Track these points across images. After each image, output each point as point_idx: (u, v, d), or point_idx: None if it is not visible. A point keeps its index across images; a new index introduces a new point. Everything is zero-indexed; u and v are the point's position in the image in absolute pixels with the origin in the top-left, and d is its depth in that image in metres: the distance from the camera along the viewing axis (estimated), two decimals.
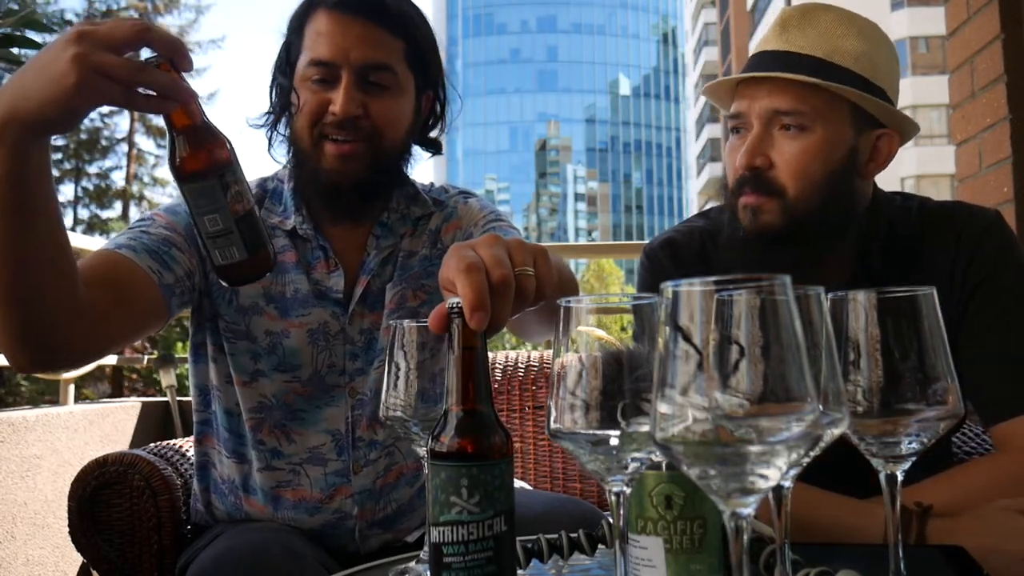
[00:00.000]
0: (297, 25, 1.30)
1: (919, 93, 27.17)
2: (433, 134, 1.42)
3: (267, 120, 1.34)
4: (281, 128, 1.33)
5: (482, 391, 0.69)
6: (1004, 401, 1.16)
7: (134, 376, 9.97)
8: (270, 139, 1.35)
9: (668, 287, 0.49)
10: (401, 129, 1.31)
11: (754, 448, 0.47)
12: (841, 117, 1.21)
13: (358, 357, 1.30)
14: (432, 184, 1.48)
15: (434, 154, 1.44)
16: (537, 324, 1.21)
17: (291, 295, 1.29)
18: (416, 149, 1.40)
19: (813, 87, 1.19)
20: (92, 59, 0.83)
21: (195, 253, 1.25)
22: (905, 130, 1.27)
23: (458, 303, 0.69)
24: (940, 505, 1.02)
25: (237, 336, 1.29)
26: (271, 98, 1.35)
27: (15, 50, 1.86)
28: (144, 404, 2.59)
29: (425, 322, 0.92)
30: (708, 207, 1.47)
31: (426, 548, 0.91)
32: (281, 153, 1.36)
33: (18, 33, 1.82)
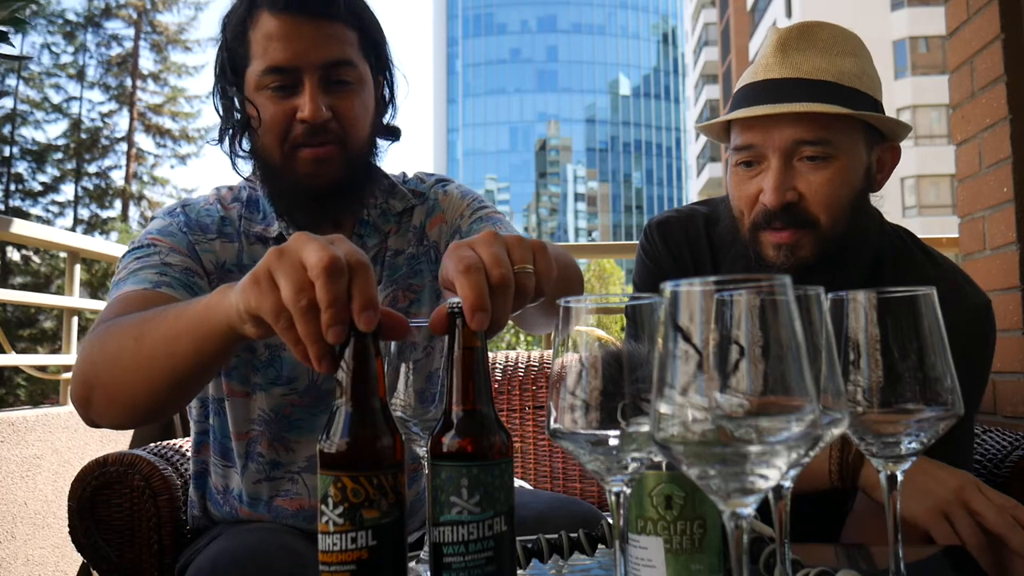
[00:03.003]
0: (238, 31, 1.23)
1: (919, 93, 27.17)
2: (387, 118, 1.36)
3: (226, 138, 1.27)
4: (241, 143, 1.27)
5: (482, 391, 0.69)
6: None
7: None
8: (231, 157, 1.28)
9: (668, 287, 0.49)
10: (367, 125, 1.27)
11: (754, 448, 0.47)
12: (857, 139, 1.20)
13: None
14: (405, 174, 1.45)
15: (394, 141, 1.38)
16: (540, 316, 1.19)
17: None
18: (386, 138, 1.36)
19: (833, 114, 1.16)
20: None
21: (204, 271, 1.23)
22: (902, 136, 1.28)
23: (458, 303, 0.69)
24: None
25: (240, 349, 1.26)
26: (221, 113, 1.28)
27: (10, 44, 1.86)
28: None
29: (425, 322, 0.92)
30: (714, 197, 1.48)
31: (426, 548, 0.91)
32: (245, 168, 1.31)
33: (8, 28, 1.81)
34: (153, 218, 1.32)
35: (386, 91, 1.34)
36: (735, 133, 1.25)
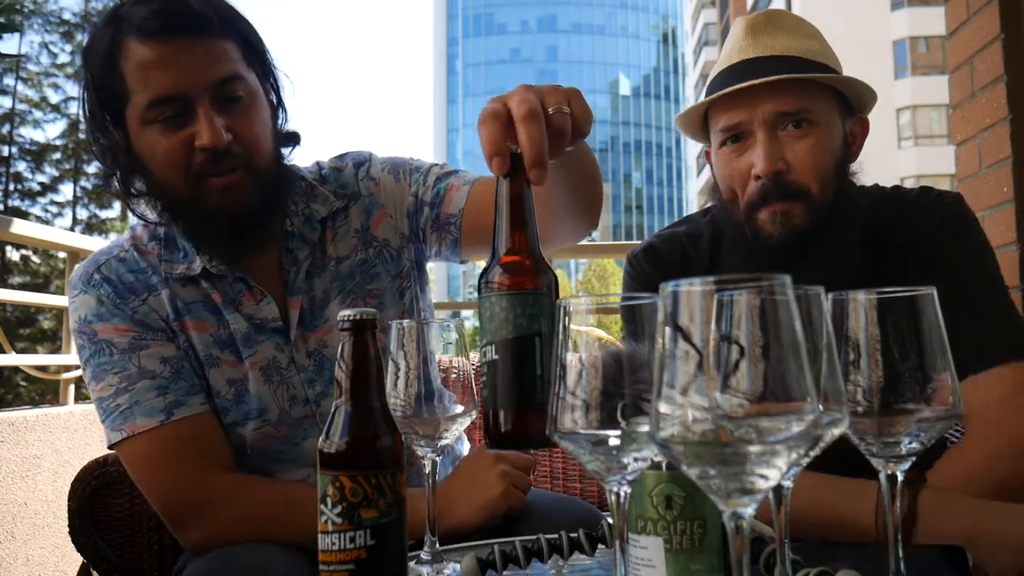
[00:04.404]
0: (106, 66, 1.13)
1: (919, 93, 27.15)
2: (280, 123, 1.28)
3: (113, 183, 1.20)
4: (132, 185, 1.20)
5: (531, 228, 0.76)
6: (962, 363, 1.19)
7: None
8: (127, 202, 1.21)
9: (668, 287, 0.49)
10: (269, 139, 1.21)
11: (754, 448, 0.47)
12: (832, 108, 1.27)
13: (315, 381, 1.24)
14: (319, 165, 1.36)
15: (295, 147, 1.30)
16: (567, 194, 1.13)
17: (237, 336, 1.22)
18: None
19: (810, 85, 1.23)
20: (512, 476, 1.17)
21: (166, 340, 1.20)
22: (870, 107, 1.34)
23: (517, 149, 0.75)
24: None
25: (205, 392, 1.22)
26: (99, 157, 1.19)
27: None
28: None
29: (425, 322, 0.92)
30: (691, 212, 1.50)
31: (426, 548, 0.91)
32: (144, 209, 1.24)
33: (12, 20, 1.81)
34: (73, 290, 1.22)
35: (273, 96, 1.26)
36: (717, 117, 1.29)
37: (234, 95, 1.14)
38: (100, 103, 1.16)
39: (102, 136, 1.17)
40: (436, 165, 1.33)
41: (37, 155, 21.56)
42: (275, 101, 1.26)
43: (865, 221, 1.30)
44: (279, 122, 1.27)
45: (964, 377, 1.16)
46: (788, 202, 1.23)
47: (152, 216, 1.24)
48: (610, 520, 0.90)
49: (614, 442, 0.60)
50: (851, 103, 1.30)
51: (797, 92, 1.23)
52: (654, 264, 1.39)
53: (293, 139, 1.30)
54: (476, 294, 0.77)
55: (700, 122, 1.36)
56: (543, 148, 0.75)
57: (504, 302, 0.74)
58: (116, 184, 1.20)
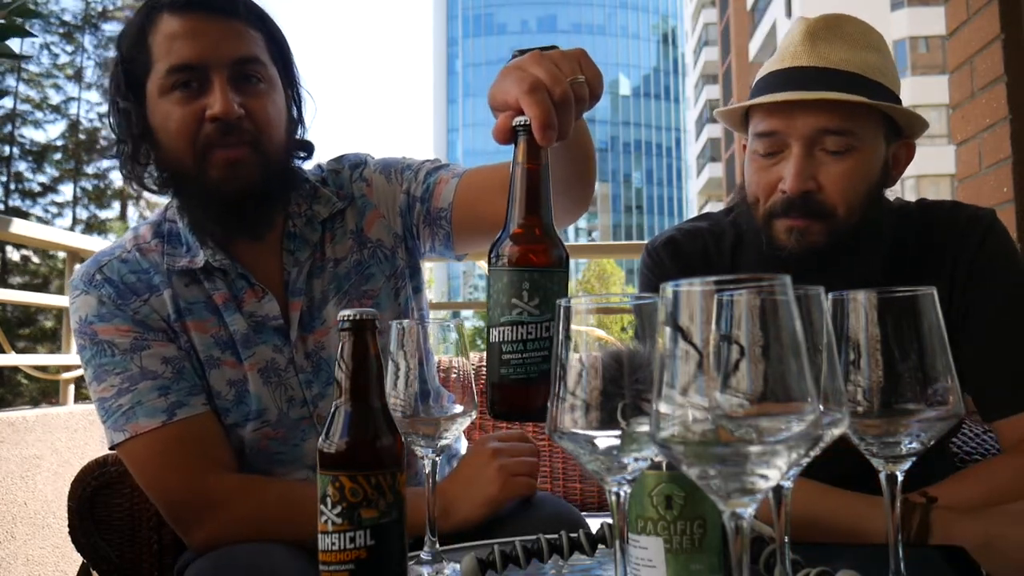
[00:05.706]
0: (136, 39, 1.18)
1: (919, 93, 27.16)
2: (299, 135, 1.31)
3: (125, 155, 1.22)
4: (141, 157, 1.23)
5: (544, 204, 0.76)
6: (1009, 396, 1.17)
7: None
8: (139, 177, 1.24)
9: (668, 287, 0.49)
10: (281, 128, 1.23)
11: (754, 448, 0.47)
12: (878, 132, 1.21)
13: (312, 383, 1.24)
14: (320, 167, 1.37)
15: (307, 158, 1.33)
16: (569, 166, 1.14)
17: (237, 337, 1.22)
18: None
19: (857, 106, 1.17)
20: (510, 468, 1.18)
21: (167, 340, 1.20)
22: (919, 133, 1.28)
23: (525, 121, 0.76)
24: (966, 501, 1.03)
25: (205, 394, 1.22)
26: (117, 131, 1.23)
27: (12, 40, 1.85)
28: None
29: (425, 322, 0.92)
30: (707, 210, 1.46)
31: (426, 548, 0.91)
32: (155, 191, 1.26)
33: (13, 21, 1.81)
34: (75, 291, 1.23)
35: (294, 109, 1.30)
36: (757, 119, 1.24)
37: (252, 75, 1.19)
38: (126, 79, 1.20)
39: (121, 109, 1.21)
40: (428, 161, 1.34)
41: (38, 155, 21.55)
42: (296, 114, 1.30)
43: (891, 245, 1.26)
44: (295, 132, 1.30)
45: (1016, 412, 1.16)
46: (810, 220, 1.18)
47: (154, 187, 1.26)
48: (609, 520, 0.90)
49: (614, 442, 0.60)
50: (900, 126, 1.24)
51: (842, 112, 1.16)
52: (674, 257, 1.34)
53: (306, 147, 1.33)
54: (484, 279, 0.80)
55: (739, 118, 1.30)
56: (571, 130, 0.80)
57: (563, 278, 0.76)
58: (127, 157, 1.23)
